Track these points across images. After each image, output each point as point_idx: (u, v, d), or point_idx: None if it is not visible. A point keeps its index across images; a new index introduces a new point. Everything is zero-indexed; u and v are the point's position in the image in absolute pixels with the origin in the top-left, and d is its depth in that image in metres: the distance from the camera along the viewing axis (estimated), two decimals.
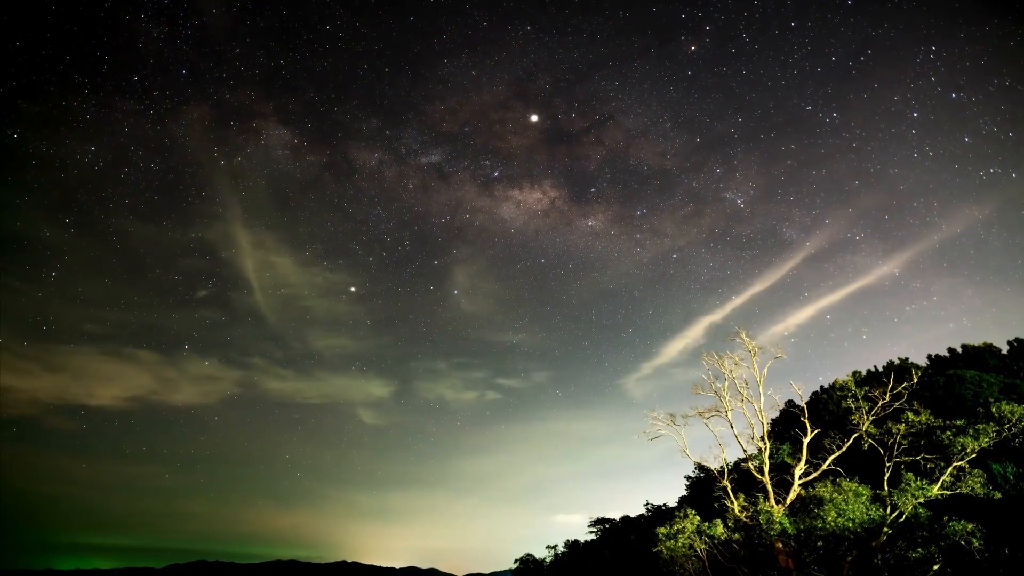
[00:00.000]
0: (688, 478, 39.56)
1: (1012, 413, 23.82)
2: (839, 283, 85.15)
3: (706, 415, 27.57)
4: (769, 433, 26.74)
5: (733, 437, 27.08)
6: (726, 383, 27.34)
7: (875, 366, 44.00)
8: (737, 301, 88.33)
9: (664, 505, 40.18)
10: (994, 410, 24.38)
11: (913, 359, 44.86)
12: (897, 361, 42.71)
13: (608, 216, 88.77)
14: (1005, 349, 42.41)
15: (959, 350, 43.91)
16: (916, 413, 25.07)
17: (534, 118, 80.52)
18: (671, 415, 28.18)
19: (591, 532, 43.15)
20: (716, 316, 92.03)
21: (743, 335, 27.94)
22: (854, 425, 26.00)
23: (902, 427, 24.67)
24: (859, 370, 42.77)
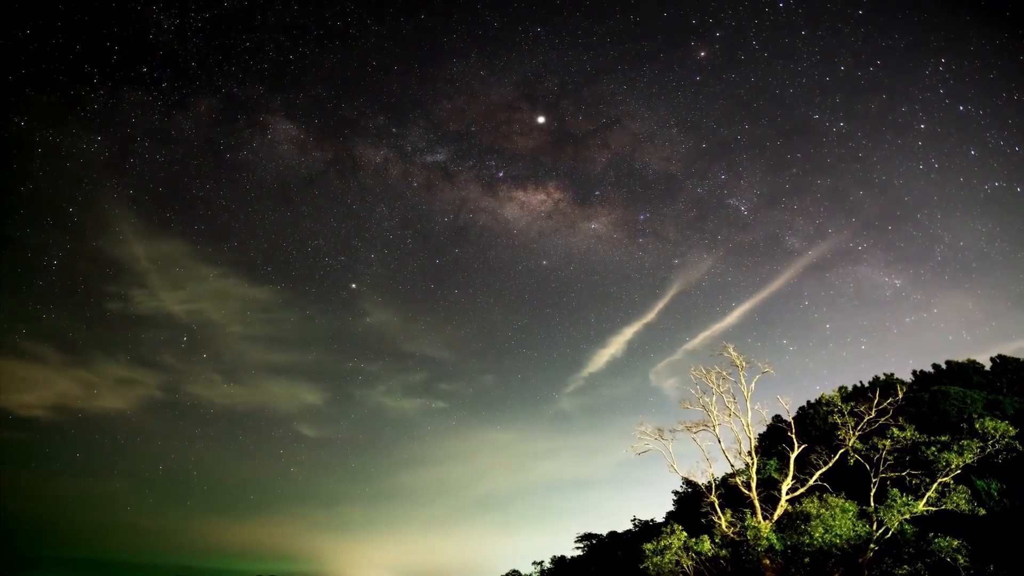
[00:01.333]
0: (676, 493, 39.42)
1: (995, 429, 24.00)
2: (840, 293, 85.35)
3: (694, 429, 27.52)
4: (756, 448, 26.70)
5: (720, 452, 27.02)
6: (714, 397, 27.35)
7: (861, 381, 44.29)
8: (737, 308, 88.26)
9: (652, 520, 39.97)
10: (978, 426, 24.55)
11: (912, 371, 45.32)
12: (883, 376, 43.03)
13: (611, 219, 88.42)
14: (988, 365, 42.90)
15: (944, 366, 44.33)
16: (901, 429, 25.19)
17: (541, 119, 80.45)
18: (659, 429, 28.11)
19: (578, 547, 42.77)
20: (716, 322, 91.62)
21: (730, 349, 27.98)
22: (840, 440, 26.06)
23: (887, 443, 24.76)
24: (845, 385, 43.01)
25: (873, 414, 25.94)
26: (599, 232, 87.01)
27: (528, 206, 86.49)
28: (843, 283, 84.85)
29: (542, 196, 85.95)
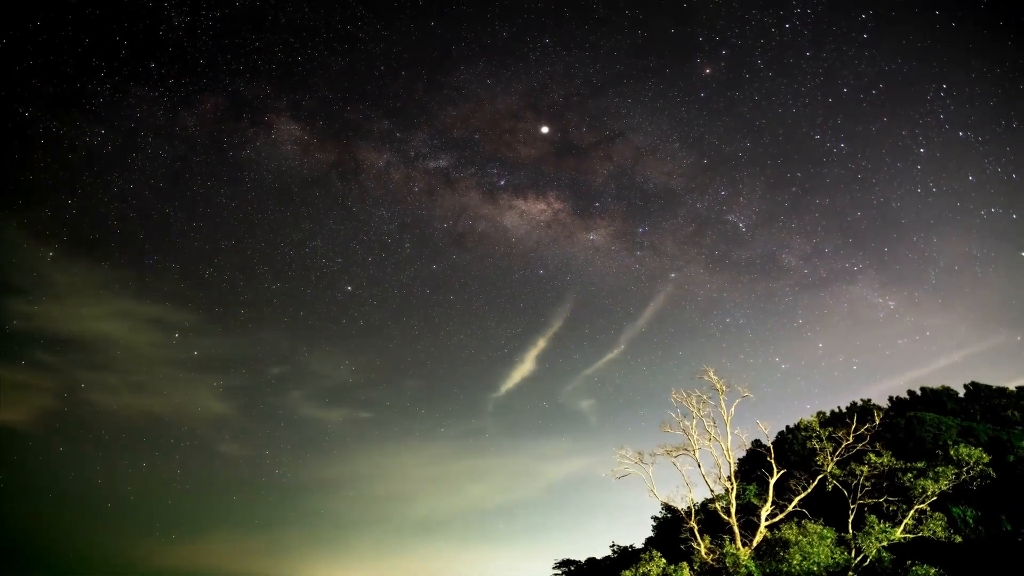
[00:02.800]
0: (655, 519, 39.00)
1: (969, 456, 24.23)
2: (834, 312, 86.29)
3: (674, 453, 27.32)
4: (736, 473, 26.59)
5: (700, 477, 26.82)
6: (694, 421, 27.25)
7: (839, 407, 44.64)
8: (732, 324, 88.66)
9: (631, 547, 39.41)
10: (952, 453, 24.77)
11: (888, 396, 45.84)
12: (860, 402, 43.42)
13: (610, 231, 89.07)
14: (962, 392, 43.56)
15: (919, 392, 44.92)
16: (878, 454, 25.30)
17: (545, 130, 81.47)
18: (639, 453, 27.86)
19: (556, 574, 41.94)
20: (711, 337, 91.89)
21: (711, 373, 27.99)
22: (819, 466, 26.06)
23: (865, 468, 24.82)
24: (823, 410, 43.32)
25: (851, 439, 26.05)
26: (597, 243, 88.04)
27: (528, 215, 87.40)
28: (837, 303, 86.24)
29: (542, 206, 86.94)
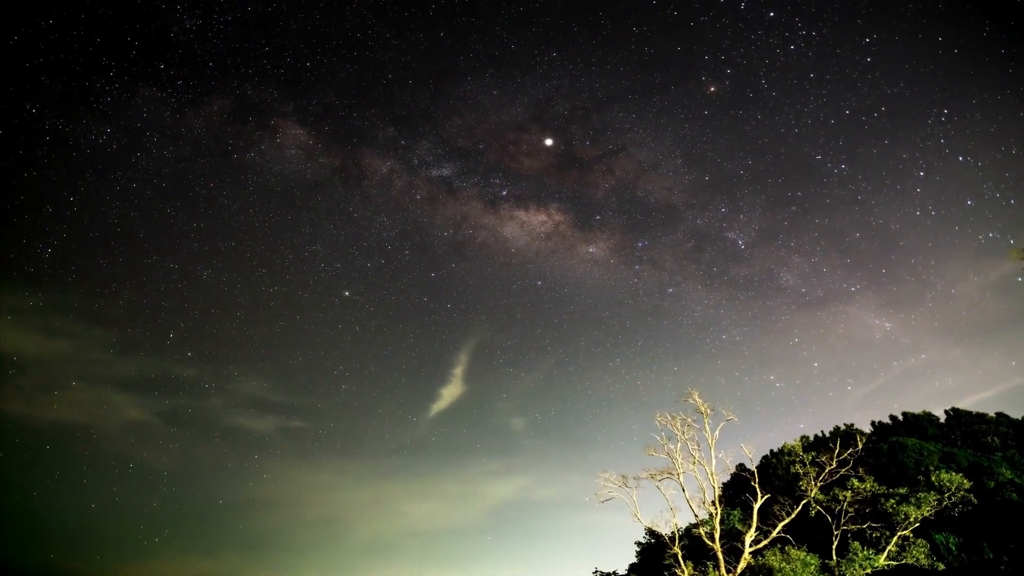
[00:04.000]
0: (639, 544, 38.50)
1: (951, 482, 24.30)
2: (830, 332, 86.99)
3: (658, 477, 27.05)
4: (720, 497, 26.36)
5: (685, 501, 26.54)
6: (678, 444, 27.06)
7: (822, 431, 44.74)
8: (728, 341, 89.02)
9: (614, 572, 38.81)
10: (934, 479, 24.84)
11: (895, 414, 46.00)
12: (843, 427, 43.58)
13: (610, 245, 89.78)
14: (943, 418, 43.95)
15: (900, 417, 45.23)
16: (861, 480, 25.29)
17: (549, 142, 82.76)
18: (623, 476, 27.55)
19: None
20: (706, 354, 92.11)
21: (695, 396, 27.87)
22: (802, 491, 25.96)
23: (848, 494, 24.78)
24: (807, 435, 43.39)
25: (834, 464, 26.02)
26: (596, 257, 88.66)
27: (528, 226, 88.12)
28: (834, 322, 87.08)
29: (543, 217, 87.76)
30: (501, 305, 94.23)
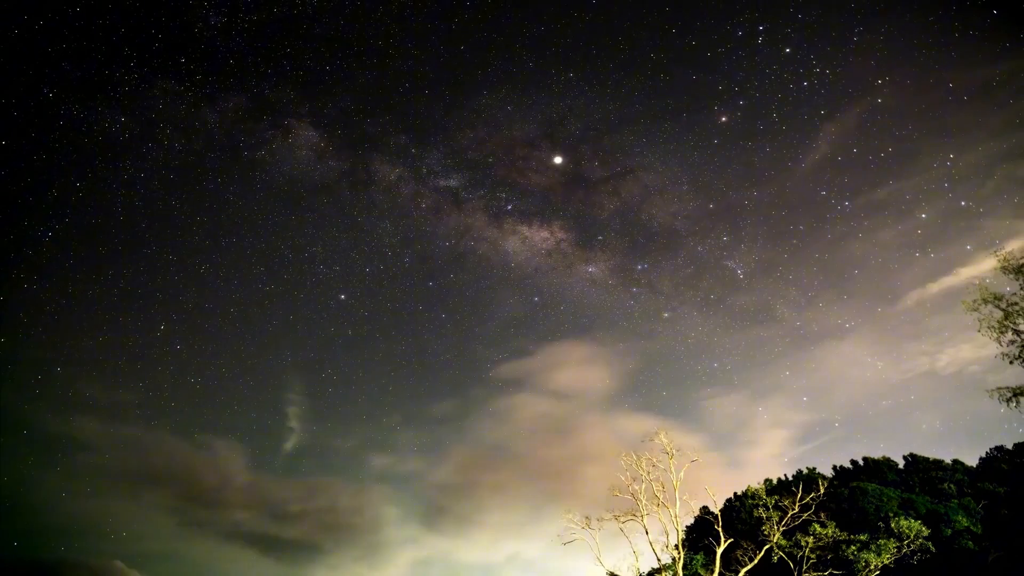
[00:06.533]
0: None
1: (910, 529, 24.44)
2: (821, 368, 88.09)
3: (622, 519, 26.50)
4: (684, 541, 25.91)
5: (648, 544, 25.99)
6: (643, 486, 26.64)
7: (785, 475, 44.91)
8: (719, 369, 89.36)
9: None
10: (894, 525, 24.96)
11: (832, 465, 46.38)
12: (805, 470, 43.83)
13: (609, 265, 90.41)
14: (901, 464, 44.64)
15: (861, 462, 45.76)
16: (823, 525, 25.22)
17: (558, 160, 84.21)
18: (587, 517, 26.92)
19: None
20: (697, 381, 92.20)
21: (662, 436, 27.63)
22: (765, 536, 25.72)
23: (810, 540, 24.65)
24: (770, 478, 43.45)
25: (796, 509, 25.90)
26: (595, 276, 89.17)
27: (530, 242, 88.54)
28: (826, 358, 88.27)
29: (545, 234, 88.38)
30: (496, 319, 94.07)
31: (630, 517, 26.27)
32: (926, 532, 24.71)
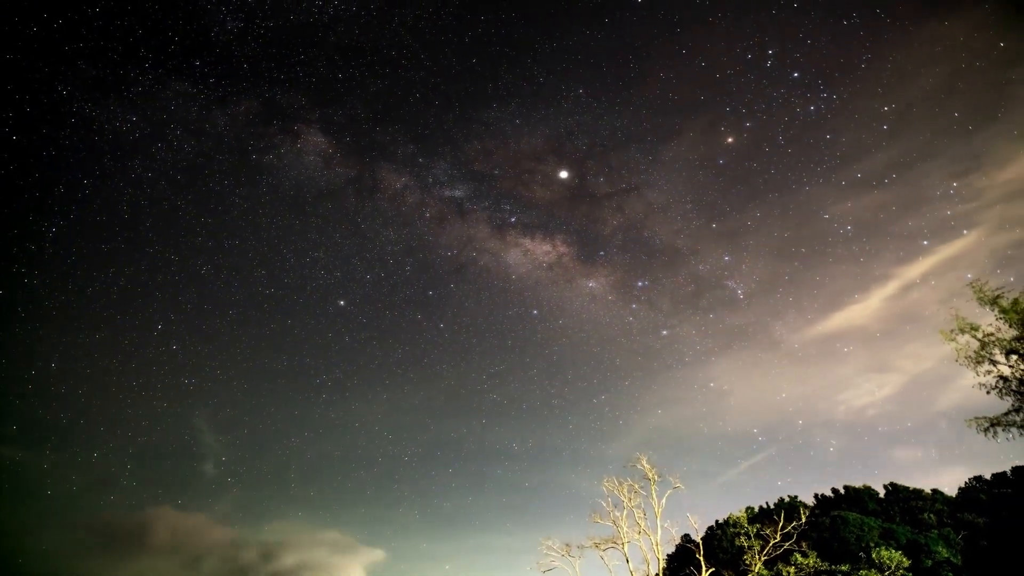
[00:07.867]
0: None
1: (891, 559, 24.29)
2: (817, 390, 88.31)
3: (602, 546, 26.05)
4: (665, 570, 25.46)
5: (628, 572, 25.50)
6: (624, 512, 26.26)
7: (767, 503, 44.64)
8: (715, 389, 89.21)
9: None
10: (875, 556, 24.80)
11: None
12: (787, 498, 43.63)
13: (610, 281, 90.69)
14: (882, 493, 44.65)
15: (842, 491, 45.70)
16: (804, 555, 24.97)
17: (563, 174, 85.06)
18: (567, 545, 26.42)
19: None
20: (691, 400, 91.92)
21: (643, 462, 27.36)
22: (747, 565, 25.39)
23: (792, 570, 24.38)
24: (752, 506, 43.16)
25: (778, 537, 25.66)
26: (595, 291, 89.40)
27: (532, 255, 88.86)
28: (824, 381, 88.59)
29: (547, 247, 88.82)
30: (493, 330, 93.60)
31: (611, 545, 25.85)
32: (907, 563, 24.59)
